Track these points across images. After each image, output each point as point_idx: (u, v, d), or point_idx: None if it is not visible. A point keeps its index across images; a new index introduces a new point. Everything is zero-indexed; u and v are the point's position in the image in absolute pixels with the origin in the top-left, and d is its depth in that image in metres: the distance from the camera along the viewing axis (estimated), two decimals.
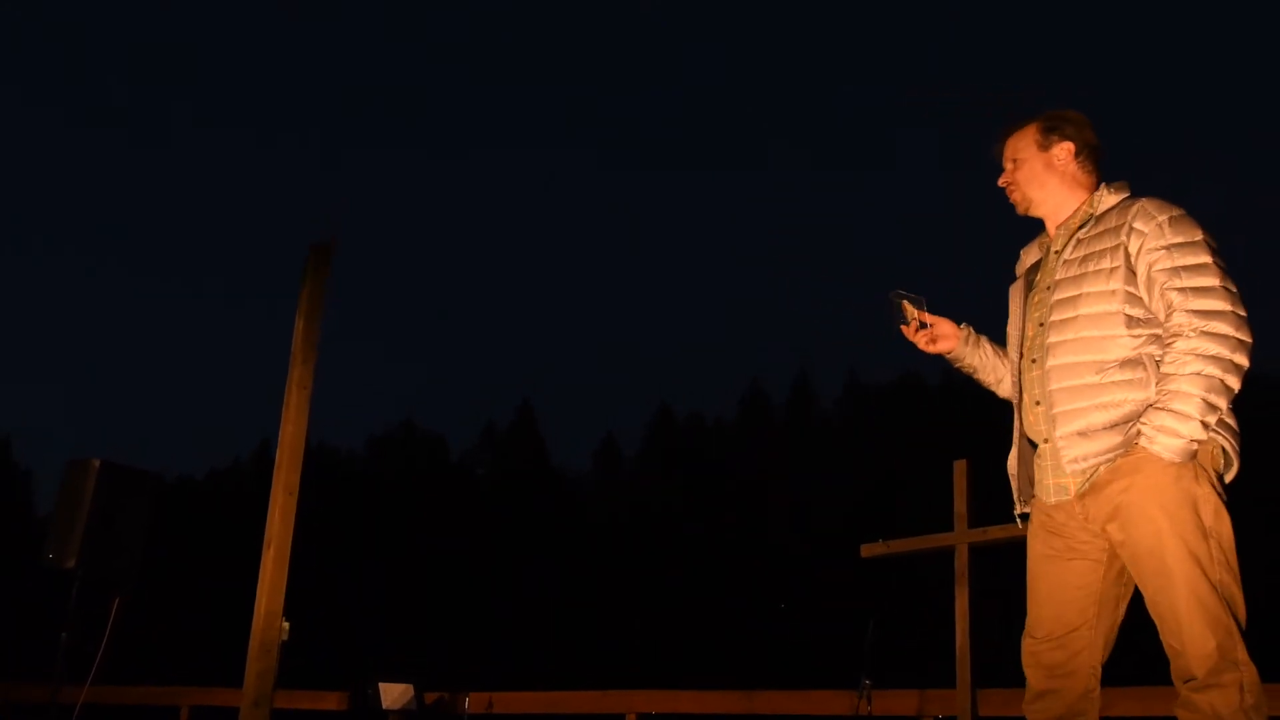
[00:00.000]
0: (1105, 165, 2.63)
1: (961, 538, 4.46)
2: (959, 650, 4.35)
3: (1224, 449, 2.33)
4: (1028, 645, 2.49)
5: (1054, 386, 2.43)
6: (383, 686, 6.35)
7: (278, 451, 4.35)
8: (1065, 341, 2.43)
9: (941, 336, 2.74)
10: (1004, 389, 2.74)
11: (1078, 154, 2.59)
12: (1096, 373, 2.37)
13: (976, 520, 4.50)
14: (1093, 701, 2.43)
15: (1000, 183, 2.68)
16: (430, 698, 6.67)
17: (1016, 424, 2.58)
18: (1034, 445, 2.53)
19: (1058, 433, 2.41)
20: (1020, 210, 2.66)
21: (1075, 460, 2.38)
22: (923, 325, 2.75)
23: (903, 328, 2.77)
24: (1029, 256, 2.71)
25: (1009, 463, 2.61)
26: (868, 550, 4.82)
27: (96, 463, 5.06)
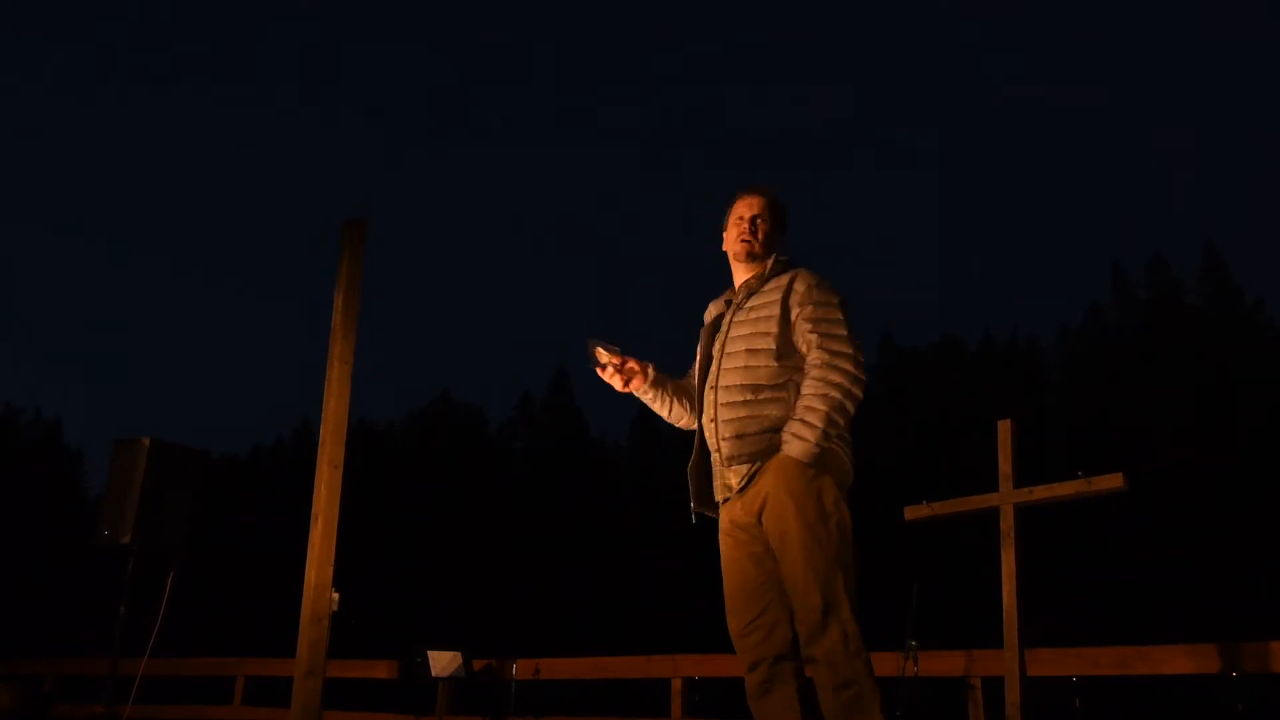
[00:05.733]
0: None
1: (1007, 498, 4.42)
2: (1006, 610, 4.32)
3: (842, 457, 2.94)
4: (731, 626, 2.98)
5: (723, 402, 3.01)
6: (431, 655, 6.45)
7: (321, 426, 4.37)
8: (733, 369, 3.03)
9: (634, 376, 3.22)
10: (677, 419, 3.30)
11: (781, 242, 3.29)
12: (753, 394, 2.98)
13: (1021, 480, 4.45)
14: (791, 669, 2.87)
15: (751, 227, 3.17)
16: (478, 665, 6.76)
17: (697, 439, 3.12)
18: (708, 456, 3.08)
19: (721, 440, 2.98)
20: (742, 255, 3.18)
21: (732, 458, 2.96)
22: (619, 370, 3.19)
23: (598, 370, 3.21)
24: (715, 309, 3.28)
25: (688, 469, 3.12)
26: (912, 513, 4.78)
27: (146, 441, 5.15)
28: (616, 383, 3.22)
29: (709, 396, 3.08)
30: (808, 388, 2.91)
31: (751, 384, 2.98)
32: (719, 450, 3.01)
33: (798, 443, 2.85)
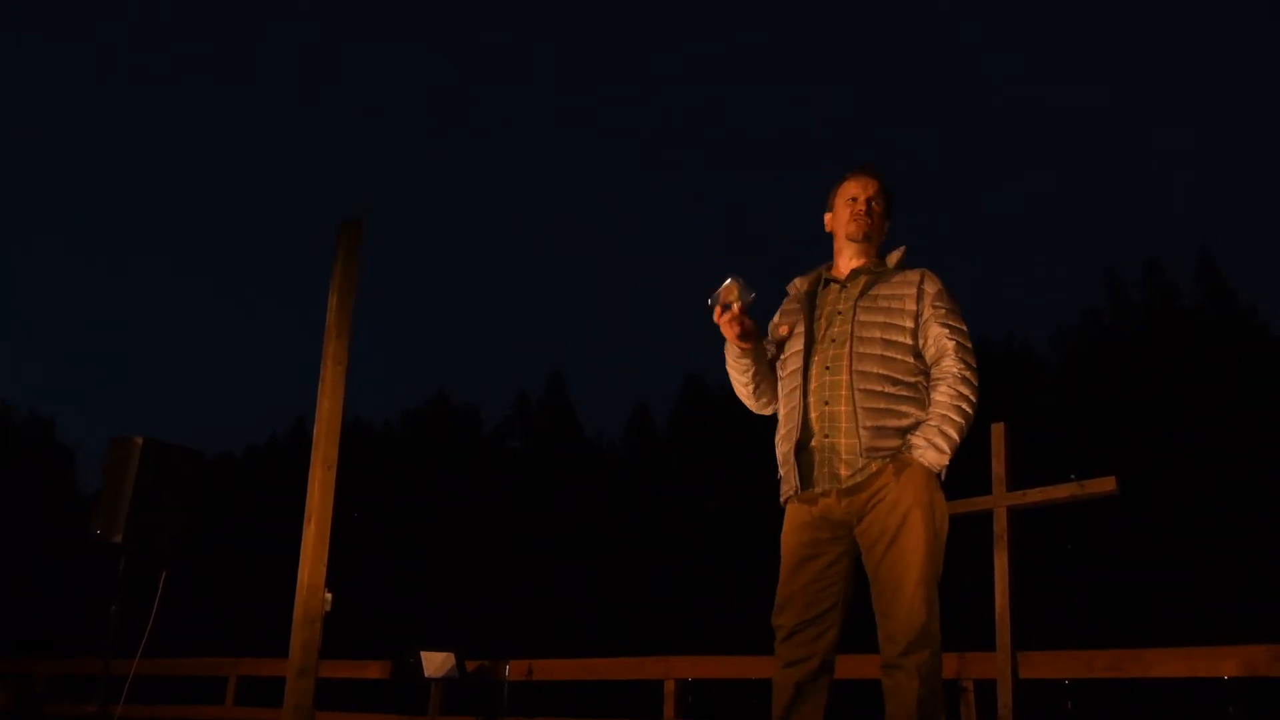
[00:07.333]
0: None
1: (1000, 500, 4.42)
2: (999, 613, 4.33)
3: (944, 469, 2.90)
4: (780, 620, 2.91)
5: (860, 388, 2.88)
6: (424, 655, 6.43)
7: (315, 426, 4.37)
8: (870, 356, 2.91)
9: (751, 333, 3.00)
10: (758, 398, 3.14)
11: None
12: (892, 386, 2.88)
13: (1015, 483, 4.46)
14: (828, 681, 2.88)
15: (866, 209, 3.10)
16: (471, 666, 6.75)
17: (795, 421, 2.95)
18: (807, 441, 2.93)
19: (860, 429, 2.84)
20: (857, 235, 3.09)
21: (870, 451, 2.82)
22: (738, 319, 2.92)
23: (717, 309, 2.91)
24: (804, 284, 3.18)
25: (784, 454, 2.98)
26: None
27: (140, 440, 5.14)
28: (731, 330, 2.96)
29: (824, 379, 2.94)
30: (944, 395, 2.87)
31: (890, 375, 2.89)
32: (828, 437, 2.89)
33: (933, 452, 2.81)
